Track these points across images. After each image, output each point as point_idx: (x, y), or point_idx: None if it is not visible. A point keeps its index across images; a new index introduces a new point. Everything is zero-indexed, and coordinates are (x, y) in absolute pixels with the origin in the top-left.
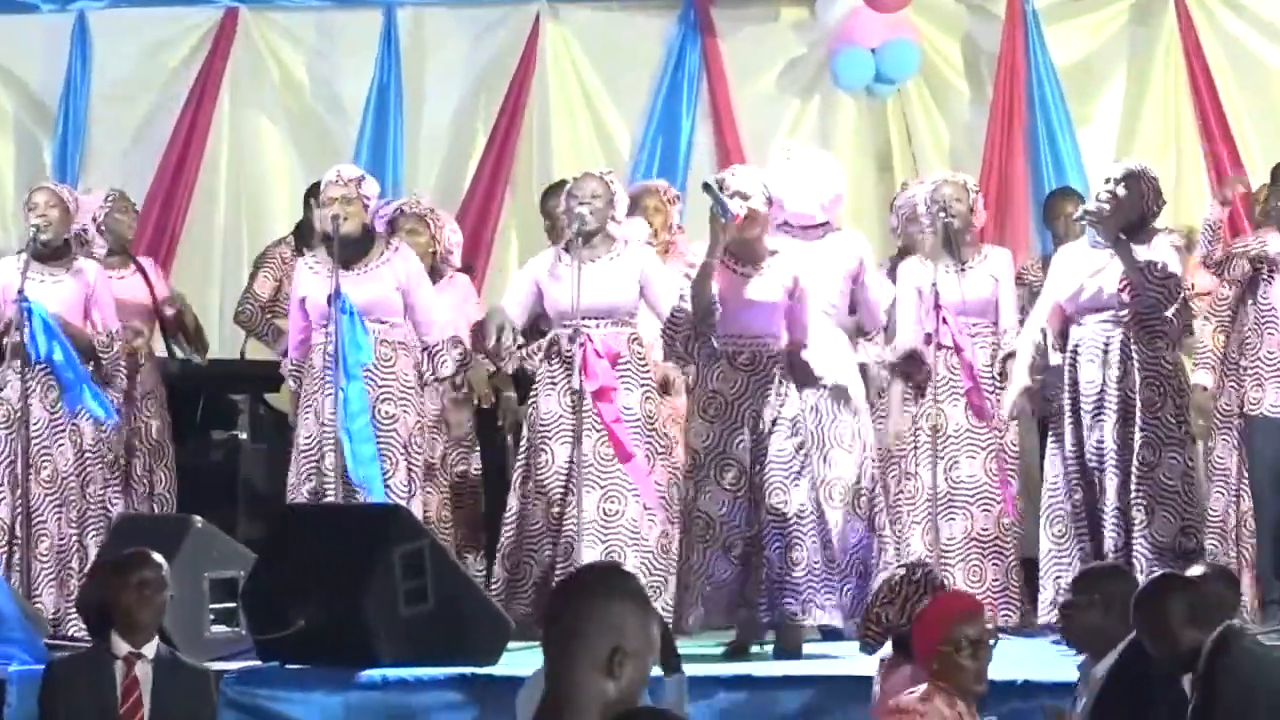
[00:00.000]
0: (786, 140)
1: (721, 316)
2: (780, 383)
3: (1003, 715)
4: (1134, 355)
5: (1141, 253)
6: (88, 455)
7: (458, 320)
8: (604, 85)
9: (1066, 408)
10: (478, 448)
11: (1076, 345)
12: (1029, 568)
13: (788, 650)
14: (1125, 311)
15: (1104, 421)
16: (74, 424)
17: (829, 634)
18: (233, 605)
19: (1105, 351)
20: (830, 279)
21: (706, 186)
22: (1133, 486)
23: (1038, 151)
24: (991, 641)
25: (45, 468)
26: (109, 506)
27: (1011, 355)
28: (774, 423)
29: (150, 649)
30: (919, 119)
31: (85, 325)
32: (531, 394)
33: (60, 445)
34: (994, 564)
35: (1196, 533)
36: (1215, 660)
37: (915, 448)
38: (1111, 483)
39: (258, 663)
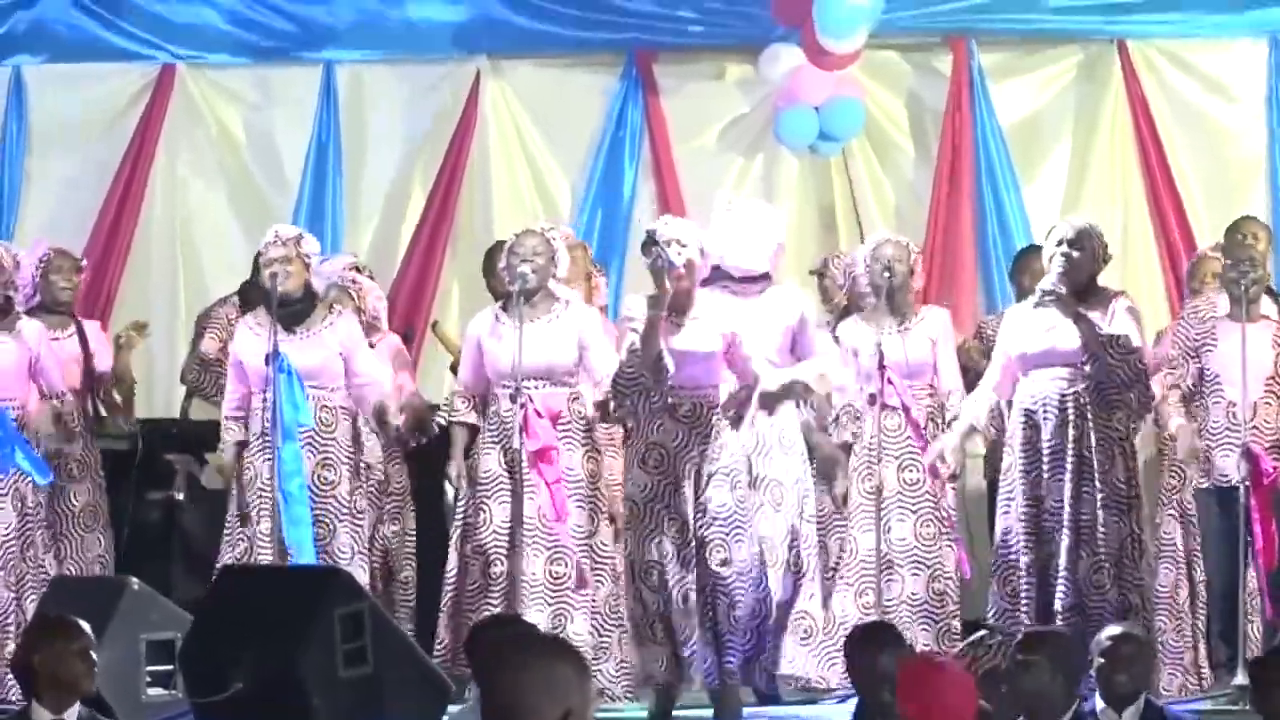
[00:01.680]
0: (728, 192)
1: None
2: (719, 434)
3: None
4: (1088, 415)
5: (1096, 319)
6: (28, 518)
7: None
8: (545, 142)
9: (1019, 465)
10: (412, 506)
11: (1032, 402)
12: (969, 629)
13: (728, 712)
14: (1082, 370)
15: (1060, 480)
16: (16, 487)
17: (765, 697)
18: (169, 667)
19: (1061, 410)
20: (770, 333)
21: (652, 242)
22: (1081, 546)
23: (983, 209)
24: None
25: None
26: (48, 570)
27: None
28: (712, 476)
29: (72, 714)
30: (863, 177)
31: (30, 388)
32: (471, 454)
33: (1, 508)
34: (923, 629)
35: (1140, 591)
36: None
37: (850, 510)
38: (1064, 541)
39: None
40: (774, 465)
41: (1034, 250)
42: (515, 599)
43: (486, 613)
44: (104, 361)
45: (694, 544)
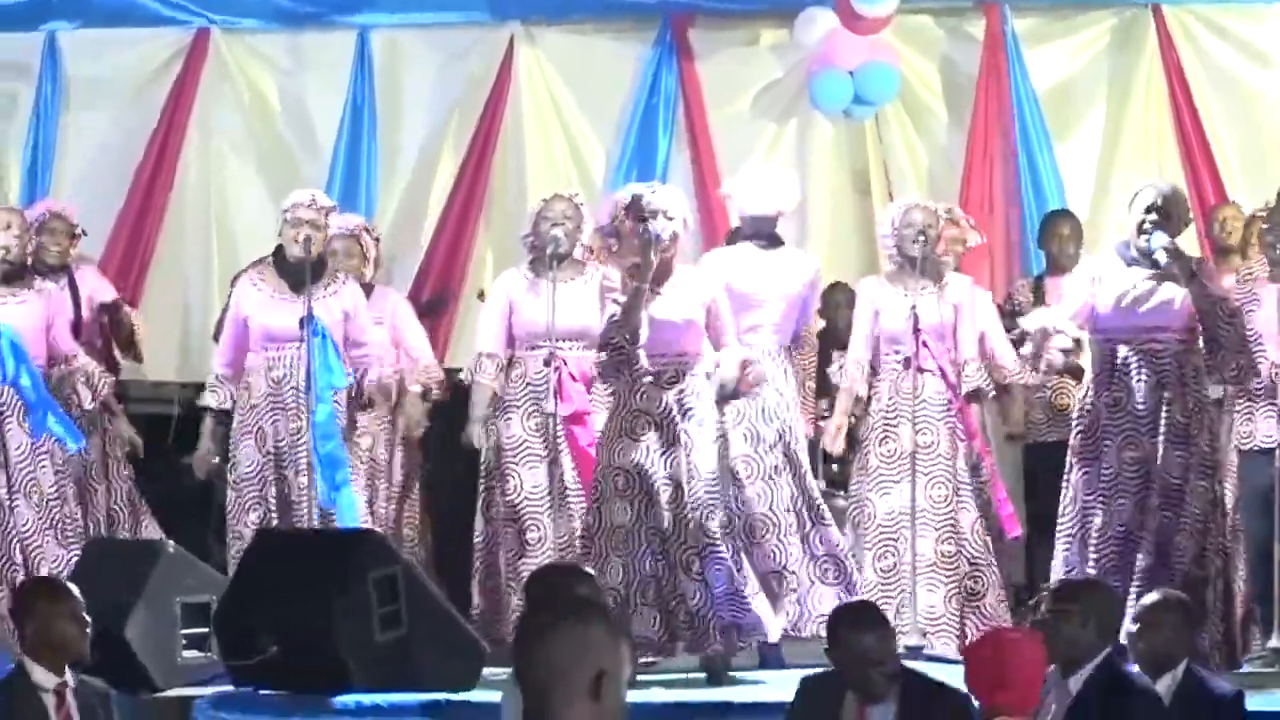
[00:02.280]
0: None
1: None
2: (700, 399)
3: None
4: (1183, 378)
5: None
6: (59, 475)
7: (387, 332)
8: (579, 108)
9: (1106, 426)
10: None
11: (1124, 364)
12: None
13: (717, 675)
14: (1181, 335)
15: (1154, 443)
16: (49, 447)
17: (766, 661)
18: (205, 630)
19: (1156, 372)
20: (785, 292)
21: (640, 213)
22: (1168, 509)
23: (1017, 174)
24: None
25: (34, 493)
26: (79, 527)
27: (978, 393)
28: (696, 441)
29: (69, 676)
30: (897, 141)
31: (44, 347)
32: (492, 419)
33: (43, 468)
34: (929, 589)
35: (1223, 555)
36: None
37: (869, 473)
38: (1153, 504)
39: (230, 688)
40: (797, 432)
41: (1061, 215)
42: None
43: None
44: (104, 297)
45: (687, 508)
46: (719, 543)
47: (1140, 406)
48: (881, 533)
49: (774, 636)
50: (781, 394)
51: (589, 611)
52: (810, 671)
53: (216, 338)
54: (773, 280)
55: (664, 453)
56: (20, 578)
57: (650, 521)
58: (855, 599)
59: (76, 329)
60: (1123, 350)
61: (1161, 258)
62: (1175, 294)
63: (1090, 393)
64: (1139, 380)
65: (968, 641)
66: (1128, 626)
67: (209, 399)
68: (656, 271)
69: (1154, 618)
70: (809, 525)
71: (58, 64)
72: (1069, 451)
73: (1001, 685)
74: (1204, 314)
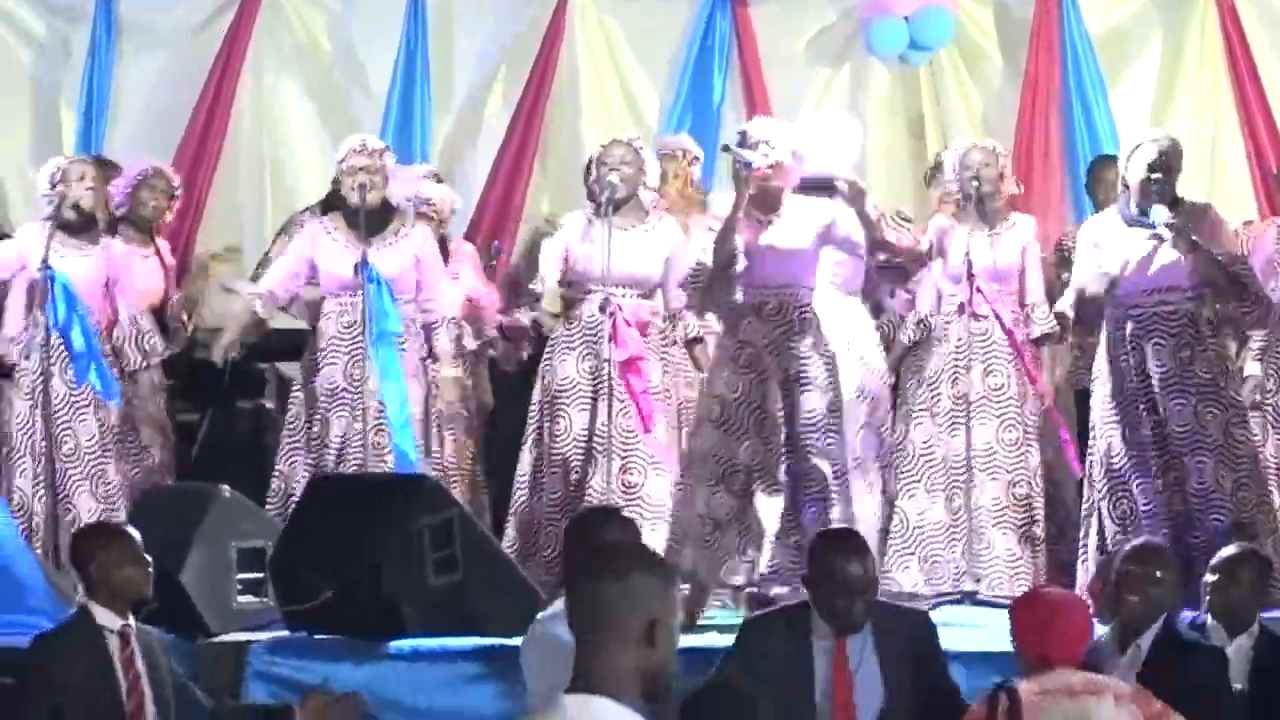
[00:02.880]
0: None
1: (748, 267)
2: (807, 335)
3: None
4: (1201, 335)
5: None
6: (101, 429)
7: (464, 287)
8: (633, 53)
9: (1131, 387)
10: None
11: (1139, 326)
12: None
13: None
14: (1191, 292)
15: (1182, 403)
16: (94, 400)
17: None
18: (260, 575)
19: (1172, 333)
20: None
21: (725, 148)
22: (1221, 466)
23: (1071, 119)
24: None
25: (66, 442)
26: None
27: (1048, 337)
28: (801, 378)
29: (132, 620)
30: (951, 87)
31: (104, 305)
32: (546, 358)
33: (83, 420)
34: (1003, 533)
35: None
36: None
37: (933, 414)
38: (1205, 463)
39: (285, 633)
40: (849, 375)
41: (1108, 160)
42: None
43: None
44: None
45: (783, 447)
46: (815, 482)
47: (1159, 370)
48: (950, 475)
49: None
50: (849, 344)
51: (640, 560)
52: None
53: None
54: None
55: (764, 386)
56: (46, 526)
57: (743, 454)
58: (838, 526)
59: (164, 299)
60: (1135, 314)
61: (1164, 234)
62: (1179, 254)
63: (1106, 358)
64: (1155, 344)
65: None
66: (1206, 578)
67: (258, 292)
68: (765, 201)
69: (1232, 571)
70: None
71: (111, 9)
72: (1094, 418)
73: (1048, 639)
74: (1211, 279)
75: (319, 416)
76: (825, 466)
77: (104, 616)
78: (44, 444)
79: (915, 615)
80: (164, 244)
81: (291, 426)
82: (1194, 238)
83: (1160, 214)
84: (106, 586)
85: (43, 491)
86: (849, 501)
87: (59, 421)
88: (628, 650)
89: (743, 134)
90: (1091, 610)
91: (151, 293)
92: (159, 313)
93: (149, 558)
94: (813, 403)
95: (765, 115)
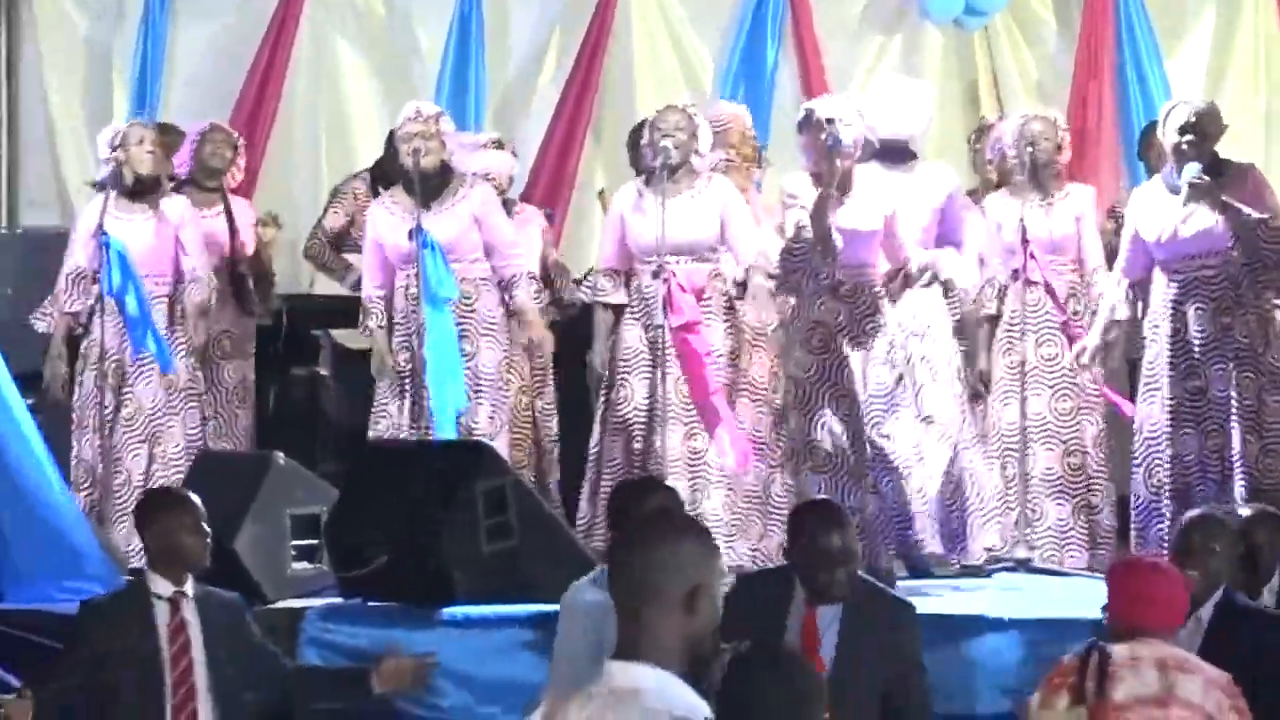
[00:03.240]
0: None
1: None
2: (877, 313)
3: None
4: (1241, 300)
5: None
6: (183, 394)
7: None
8: (687, 18)
9: (1166, 355)
10: (549, 384)
11: (1179, 292)
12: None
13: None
14: (1229, 257)
15: (1222, 370)
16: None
17: (916, 570)
18: (314, 542)
19: (1212, 298)
20: (919, 210)
21: (817, 120)
22: (1250, 432)
23: (1125, 85)
24: None
25: (126, 405)
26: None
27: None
28: (871, 353)
29: (189, 586)
30: (1006, 52)
31: (169, 267)
32: (614, 329)
33: (148, 383)
34: (1058, 503)
35: None
36: None
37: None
38: (1235, 430)
39: (339, 600)
40: (929, 345)
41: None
42: (657, 474)
43: None
44: (248, 241)
45: (860, 421)
46: (891, 456)
47: (1199, 335)
48: (1004, 443)
49: (936, 549)
50: (915, 315)
51: (682, 526)
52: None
53: (306, 251)
54: (904, 199)
55: (839, 365)
56: (96, 494)
57: (820, 432)
58: (818, 498)
59: (234, 257)
60: (1178, 279)
61: (1185, 193)
62: (1216, 217)
63: (1148, 325)
64: (1195, 309)
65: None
66: None
67: (369, 321)
68: (844, 181)
69: (1247, 532)
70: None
71: None
72: (1138, 384)
73: (1143, 607)
74: (1243, 240)
75: (398, 390)
76: (895, 438)
77: (158, 584)
78: (111, 414)
79: (900, 605)
80: (241, 202)
81: (380, 400)
82: (1224, 198)
83: (1189, 171)
84: (163, 553)
85: (95, 457)
86: (918, 469)
87: (124, 386)
88: (670, 618)
89: (810, 111)
90: None
91: (215, 250)
92: (231, 272)
93: (208, 527)
94: (882, 376)
95: (820, 81)
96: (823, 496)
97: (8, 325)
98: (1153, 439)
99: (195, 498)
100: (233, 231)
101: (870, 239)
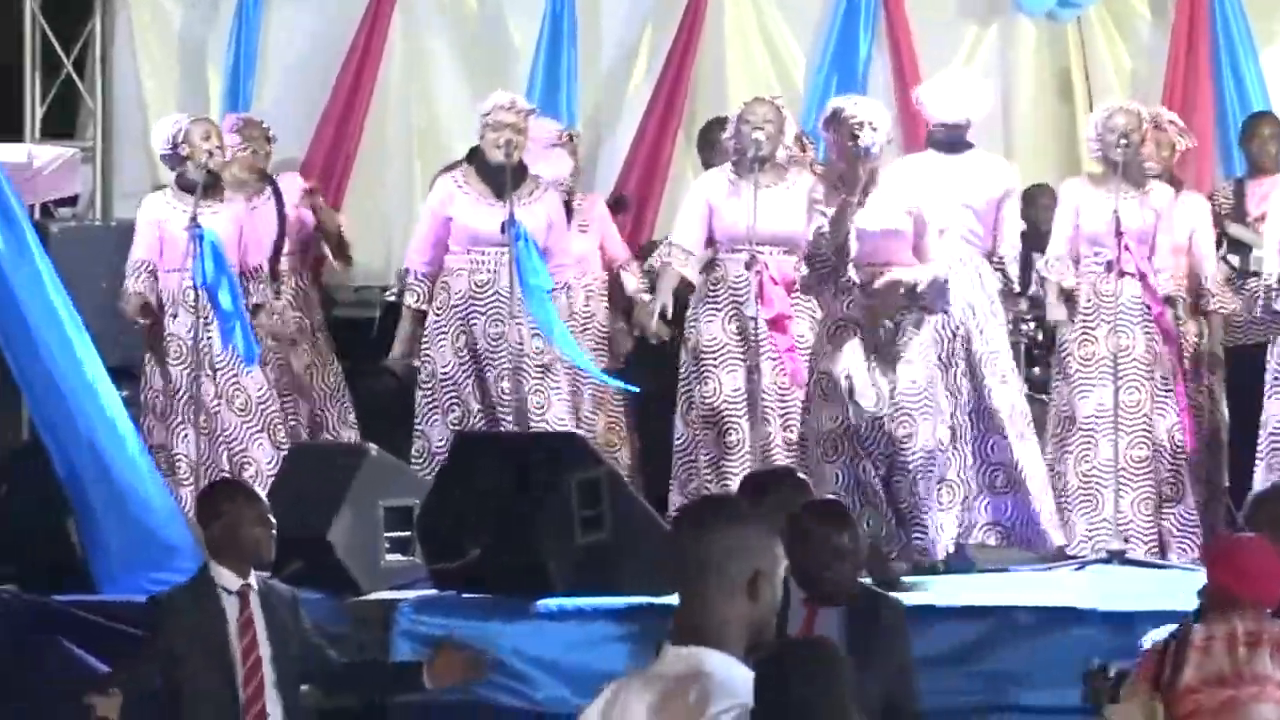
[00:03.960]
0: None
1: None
2: (909, 310)
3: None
4: None
5: None
6: (282, 384)
7: (595, 238)
8: (780, 13)
9: None
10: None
11: None
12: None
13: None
14: None
15: None
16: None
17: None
18: (408, 534)
19: None
20: (973, 199)
21: (844, 123)
22: None
23: (1220, 77)
24: None
25: (236, 397)
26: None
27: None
28: (900, 352)
29: (255, 580)
30: (1100, 44)
31: (236, 259)
32: (690, 319)
33: (250, 372)
34: (1143, 494)
35: None
36: None
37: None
38: None
39: (432, 592)
40: (989, 338)
41: (1262, 116)
42: (753, 465)
43: (726, 481)
44: (305, 214)
45: (886, 417)
46: (908, 454)
47: None
48: (1081, 436)
49: (941, 555)
50: (972, 303)
51: (742, 514)
52: None
53: None
54: (958, 187)
55: (868, 361)
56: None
57: (854, 428)
58: (825, 497)
59: (281, 239)
60: None
61: None
62: None
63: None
64: None
65: (1162, 546)
66: None
67: (408, 298)
68: (865, 181)
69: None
70: (983, 431)
71: None
72: (1268, 360)
73: (1240, 579)
74: None
75: (462, 376)
76: (915, 440)
77: (224, 577)
78: (216, 402)
79: (891, 604)
80: (287, 177)
81: (427, 386)
82: None
83: None
84: (229, 546)
85: (207, 450)
86: (945, 469)
87: (224, 377)
88: (731, 602)
89: (837, 110)
90: None
91: (265, 238)
92: (274, 261)
93: (274, 520)
94: (911, 374)
95: (913, 76)
96: (829, 496)
97: (102, 318)
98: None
99: (259, 490)
100: (281, 217)
101: (894, 237)
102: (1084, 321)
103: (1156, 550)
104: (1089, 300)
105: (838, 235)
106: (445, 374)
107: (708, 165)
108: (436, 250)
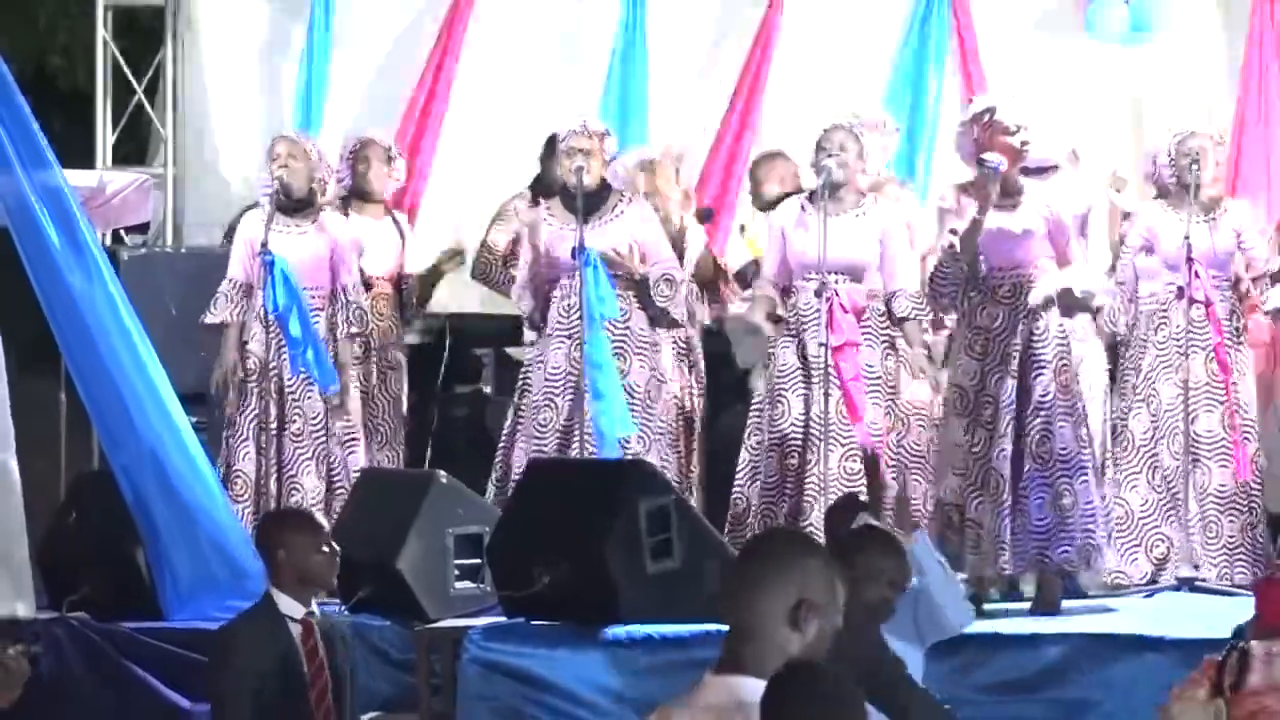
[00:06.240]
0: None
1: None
2: (1039, 316)
3: None
4: None
5: None
6: (329, 407)
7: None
8: (850, 29)
9: None
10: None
11: None
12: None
13: (1047, 602)
14: None
15: None
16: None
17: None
18: (477, 561)
19: None
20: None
21: (981, 162)
22: None
23: None
24: None
25: (294, 421)
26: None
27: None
28: (1034, 361)
29: (315, 607)
30: (1170, 68)
31: (327, 280)
32: (770, 345)
33: (310, 399)
34: (1230, 520)
35: None
36: None
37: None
38: None
39: (502, 619)
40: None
41: None
42: (804, 493)
43: (784, 504)
44: (410, 259)
45: (1010, 428)
46: (1046, 468)
47: None
48: (1149, 459)
49: (1084, 569)
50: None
51: (801, 544)
52: None
53: (473, 271)
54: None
55: (999, 372)
56: (253, 508)
57: (984, 440)
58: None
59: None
60: None
61: None
62: None
63: None
64: None
65: (1233, 574)
66: None
67: (523, 306)
68: (1006, 185)
69: None
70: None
71: None
72: None
73: None
74: None
75: (553, 402)
76: (1056, 450)
77: (287, 605)
78: (275, 425)
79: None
80: (402, 216)
81: (523, 413)
82: None
83: None
84: (294, 574)
85: (264, 471)
86: (1079, 487)
87: (290, 400)
88: (774, 632)
89: (991, 110)
90: None
91: (384, 262)
92: (397, 285)
93: (336, 546)
94: (1045, 385)
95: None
96: (870, 521)
97: (172, 343)
98: None
99: (321, 518)
100: (402, 245)
101: (1026, 240)
102: (1175, 347)
103: (1228, 577)
104: (1178, 326)
105: (967, 251)
106: (536, 401)
107: (754, 200)
108: (537, 283)
